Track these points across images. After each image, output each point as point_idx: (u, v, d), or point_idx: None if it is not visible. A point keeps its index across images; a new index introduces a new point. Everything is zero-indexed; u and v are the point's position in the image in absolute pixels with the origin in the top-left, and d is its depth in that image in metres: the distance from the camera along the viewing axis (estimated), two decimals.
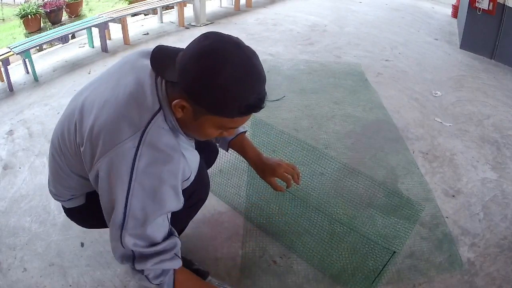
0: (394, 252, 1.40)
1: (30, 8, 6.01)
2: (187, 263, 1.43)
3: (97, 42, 3.80)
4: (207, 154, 1.45)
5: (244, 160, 1.45)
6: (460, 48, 3.81)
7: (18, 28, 6.31)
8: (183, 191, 1.03)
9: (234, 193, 1.81)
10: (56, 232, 1.66)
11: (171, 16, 4.75)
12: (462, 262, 1.53)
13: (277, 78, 3.01)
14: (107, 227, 0.98)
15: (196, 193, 1.19)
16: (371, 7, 5.24)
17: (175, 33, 4.21)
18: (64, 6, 6.59)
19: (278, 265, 1.50)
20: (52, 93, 2.93)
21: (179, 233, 1.41)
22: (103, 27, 3.70)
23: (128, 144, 0.89)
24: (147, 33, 4.22)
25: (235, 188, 1.84)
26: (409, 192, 1.88)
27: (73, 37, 4.35)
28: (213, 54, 0.83)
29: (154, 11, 4.90)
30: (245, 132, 1.44)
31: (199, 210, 1.38)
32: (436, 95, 2.86)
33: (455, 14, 4.78)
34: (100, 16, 3.92)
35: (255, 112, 0.90)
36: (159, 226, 0.97)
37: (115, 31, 4.08)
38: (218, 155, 1.64)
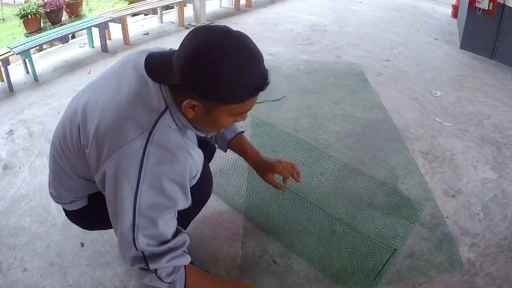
0: (395, 250, 1.40)
1: (30, 8, 6.02)
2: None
3: (97, 42, 3.80)
4: (206, 152, 1.45)
5: (244, 160, 1.45)
6: (460, 48, 3.81)
7: (18, 28, 6.31)
8: None
9: (234, 193, 1.81)
10: (56, 232, 1.66)
11: (171, 16, 4.75)
12: (462, 262, 1.53)
13: (277, 78, 3.01)
14: (110, 228, 0.98)
15: (199, 192, 1.19)
16: (371, 7, 5.24)
17: (175, 33, 4.21)
18: (64, 6, 6.59)
19: (278, 265, 1.50)
20: (52, 93, 2.93)
21: None
22: (103, 27, 3.70)
23: (135, 145, 0.89)
24: (147, 33, 4.22)
25: (235, 188, 1.84)
26: (409, 192, 1.88)
27: (73, 37, 4.35)
28: (208, 49, 0.84)
29: (154, 11, 4.90)
30: (243, 132, 1.45)
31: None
32: (436, 95, 2.86)
33: (455, 14, 4.78)
34: (100, 16, 3.92)
35: (262, 91, 0.93)
36: (169, 224, 0.97)
37: (115, 31, 4.08)
38: (219, 155, 1.65)
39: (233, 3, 5.04)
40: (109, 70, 1.07)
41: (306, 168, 1.99)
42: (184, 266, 1.03)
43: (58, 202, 1.23)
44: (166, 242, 0.96)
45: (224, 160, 1.92)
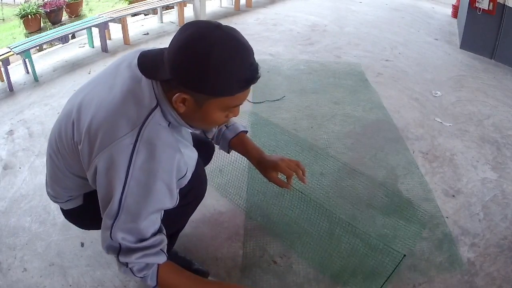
0: (404, 255, 1.40)
1: (30, 8, 6.02)
2: (187, 263, 1.43)
3: (97, 42, 3.80)
4: (204, 151, 1.45)
5: (245, 160, 1.45)
6: (460, 48, 3.81)
7: (18, 28, 6.31)
8: (180, 190, 1.04)
9: (234, 193, 1.81)
10: (56, 232, 1.66)
11: (171, 16, 4.75)
12: (462, 262, 1.53)
13: (277, 78, 3.01)
14: None
15: (193, 191, 1.19)
16: (371, 7, 5.24)
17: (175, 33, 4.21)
18: (64, 6, 6.59)
19: (278, 265, 1.50)
20: (52, 93, 2.93)
21: (178, 232, 1.42)
22: (103, 27, 3.70)
23: (126, 141, 0.90)
24: (147, 33, 4.22)
25: (235, 188, 1.85)
26: (409, 192, 1.88)
27: (73, 37, 4.35)
28: (198, 41, 0.85)
29: (154, 11, 4.90)
30: (246, 132, 1.44)
31: (199, 210, 1.38)
32: (436, 95, 2.86)
33: (455, 14, 4.78)
34: (100, 16, 3.92)
35: (253, 83, 0.92)
36: (152, 223, 0.98)
37: (115, 31, 4.08)
38: (219, 155, 1.64)
39: (233, 3, 5.04)
40: (105, 70, 1.08)
41: (306, 168, 1.98)
42: (158, 264, 1.02)
43: (55, 201, 1.24)
44: (143, 240, 0.97)
45: (224, 160, 1.92)
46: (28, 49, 3.15)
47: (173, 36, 0.91)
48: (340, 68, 3.24)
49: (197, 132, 1.14)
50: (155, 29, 4.37)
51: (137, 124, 0.91)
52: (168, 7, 4.81)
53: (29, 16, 5.97)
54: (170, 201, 0.99)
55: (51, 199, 1.24)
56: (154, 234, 1.00)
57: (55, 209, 1.76)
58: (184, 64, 0.86)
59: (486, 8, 3.44)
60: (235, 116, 1.03)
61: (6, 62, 3.05)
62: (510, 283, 1.46)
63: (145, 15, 5.06)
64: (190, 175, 1.06)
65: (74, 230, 1.62)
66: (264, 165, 1.36)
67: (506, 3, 3.29)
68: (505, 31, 3.37)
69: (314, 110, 2.59)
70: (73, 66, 3.42)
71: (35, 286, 1.43)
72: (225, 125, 1.39)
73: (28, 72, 3.31)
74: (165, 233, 1.04)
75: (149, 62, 0.93)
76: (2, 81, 3.12)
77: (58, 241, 1.61)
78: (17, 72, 3.34)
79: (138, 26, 4.52)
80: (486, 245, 1.62)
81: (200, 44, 0.85)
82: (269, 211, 1.72)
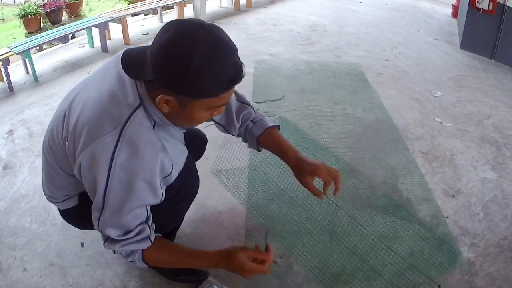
0: (439, 286, 1.39)
1: (30, 8, 6.01)
2: None
3: (97, 42, 3.80)
4: (196, 143, 1.44)
5: (245, 160, 1.43)
6: (460, 48, 3.81)
7: (18, 28, 6.31)
8: (169, 186, 1.05)
9: (234, 193, 1.81)
10: (56, 232, 1.66)
11: (171, 16, 4.75)
12: (462, 262, 1.53)
13: (277, 78, 3.01)
14: None
15: (184, 187, 1.19)
16: (371, 7, 5.24)
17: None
18: (64, 6, 6.59)
19: (278, 265, 1.49)
20: (52, 93, 2.93)
21: (176, 229, 1.42)
22: (103, 27, 3.70)
23: (108, 139, 0.91)
24: (147, 33, 4.22)
25: (235, 188, 1.84)
26: (409, 192, 1.88)
27: (73, 37, 4.35)
28: (179, 41, 0.83)
29: (154, 11, 4.90)
30: (278, 127, 1.31)
31: (199, 210, 1.38)
32: (436, 95, 2.86)
33: (455, 14, 4.78)
34: (100, 16, 3.92)
35: (237, 83, 0.90)
36: (136, 216, 1.00)
37: (115, 31, 4.08)
38: (219, 155, 1.64)
39: (233, 3, 5.04)
40: (98, 70, 1.09)
41: None
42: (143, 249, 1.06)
43: (51, 201, 1.25)
44: (128, 232, 1.01)
45: (224, 160, 1.92)
46: (28, 49, 3.15)
47: (157, 34, 0.89)
48: (340, 68, 3.24)
49: (183, 131, 1.13)
50: (155, 29, 4.36)
51: (120, 123, 0.92)
52: (168, 7, 4.81)
53: (29, 16, 5.97)
54: (154, 198, 1.00)
55: (48, 199, 1.25)
56: (139, 225, 1.03)
57: (55, 209, 1.75)
58: (165, 66, 0.84)
59: (486, 8, 3.44)
60: (219, 114, 1.02)
61: (6, 62, 3.05)
62: (510, 283, 1.46)
63: (145, 15, 5.06)
64: (177, 173, 1.07)
65: (74, 230, 1.62)
66: (301, 168, 1.19)
67: (506, 3, 3.29)
68: (505, 31, 3.37)
69: (314, 110, 2.59)
70: (73, 66, 3.42)
71: (35, 286, 1.43)
72: (251, 121, 1.29)
73: (28, 72, 3.31)
74: (150, 222, 1.06)
75: (132, 62, 0.93)
76: (2, 81, 3.12)
77: (58, 241, 1.61)
78: (17, 72, 3.33)
79: (138, 26, 4.52)
80: (486, 245, 1.62)
81: (181, 44, 0.83)
82: (269, 211, 1.72)
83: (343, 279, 1.44)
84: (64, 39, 3.59)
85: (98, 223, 1.00)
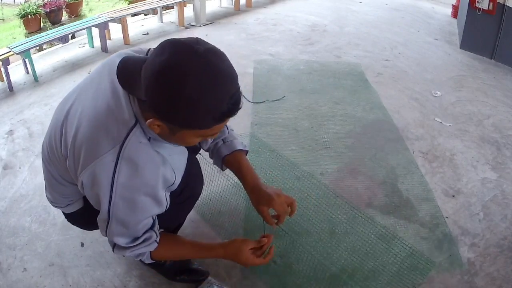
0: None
1: (30, 8, 6.01)
2: (187, 263, 1.43)
3: (97, 42, 3.80)
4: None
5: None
6: (460, 48, 3.81)
7: (18, 28, 6.30)
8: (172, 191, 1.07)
9: (234, 193, 1.81)
10: (56, 232, 1.66)
11: (171, 16, 4.75)
12: (462, 262, 1.53)
13: (277, 78, 3.01)
14: None
15: (187, 188, 1.19)
16: (371, 7, 5.24)
17: (175, 33, 4.21)
18: (64, 6, 6.59)
19: (278, 265, 1.49)
20: (52, 93, 2.93)
21: (177, 228, 1.42)
22: (103, 27, 3.70)
23: (107, 158, 0.91)
24: (147, 33, 4.22)
25: (235, 188, 1.84)
26: (409, 192, 1.88)
27: (73, 37, 4.35)
28: (171, 69, 0.78)
29: (154, 11, 4.90)
30: (245, 152, 1.34)
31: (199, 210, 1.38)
32: (436, 95, 2.86)
33: (455, 14, 4.78)
34: (100, 16, 3.92)
35: (233, 116, 0.86)
36: (143, 226, 1.03)
37: (115, 31, 4.09)
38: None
39: (233, 3, 5.04)
40: (91, 75, 1.06)
41: (306, 168, 1.99)
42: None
43: (55, 207, 1.26)
44: (135, 239, 1.03)
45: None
46: (28, 49, 3.15)
47: (152, 51, 0.86)
48: (340, 68, 3.24)
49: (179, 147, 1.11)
50: (155, 29, 4.37)
51: (118, 141, 0.91)
52: (168, 7, 4.80)
53: (29, 16, 5.97)
54: (158, 209, 1.02)
55: (52, 204, 1.25)
56: (146, 232, 1.05)
57: (55, 209, 1.75)
58: (156, 93, 0.80)
59: (486, 8, 3.44)
60: (213, 138, 1.03)
61: (6, 62, 3.05)
62: (510, 283, 1.46)
63: (145, 15, 5.06)
64: (180, 178, 1.07)
65: (74, 230, 1.62)
66: (257, 196, 1.25)
67: (506, 3, 3.29)
68: (505, 31, 3.37)
69: (314, 110, 2.59)
70: (73, 66, 3.42)
71: (35, 286, 1.43)
72: (222, 139, 1.31)
73: (28, 72, 3.31)
74: (157, 228, 1.09)
75: (127, 74, 0.88)
76: (2, 81, 3.12)
77: (58, 241, 1.61)
78: (17, 72, 3.34)
79: (138, 26, 4.52)
80: (486, 245, 1.62)
81: (173, 73, 0.78)
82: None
83: (343, 279, 1.44)
84: (64, 39, 3.60)
85: (105, 233, 1.02)
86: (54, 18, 6.43)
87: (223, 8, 5.11)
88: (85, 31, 3.77)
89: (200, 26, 4.39)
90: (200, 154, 1.48)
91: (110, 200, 0.93)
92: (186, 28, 4.37)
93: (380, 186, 1.90)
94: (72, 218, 1.29)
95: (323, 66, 3.28)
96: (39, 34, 3.59)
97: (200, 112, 0.81)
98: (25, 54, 3.14)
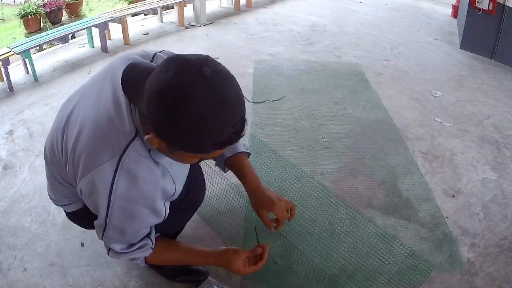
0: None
1: (30, 8, 6.01)
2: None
3: (97, 42, 3.80)
4: None
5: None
6: (460, 48, 3.81)
7: (18, 28, 6.31)
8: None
9: (234, 193, 1.81)
10: (56, 232, 1.66)
11: (171, 16, 4.75)
12: (462, 262, 1.53)
13: (277, 78, 3.01)
14: None
15: (189, 196, 1.19)
16: (371, 7, 5.24)
17: (175, 33, 4.21)
18: (64, 6, 6.59)
19: (278, 265, 1.49)
20: (52, 93, 2.93)
21: (177, 233, 1.42)
22: (103, 27, 3.70)
23: (106, 169, 0.90)
24: (147, 33, 4.22)
25: (235, 188, 1.84)
26: (409, 192, 1.88)
27: (73, 37, 4.35)
28: (174, 91, 0.75)
29: (154, 11, 4.90)
30: (247, 154, 1.34)
31: (199, 211, 1.38)
32: (436, 95, 2.86)
33: (455, 14, 4.78)
34: (100, 16, 3.92)
35: (234, 143, 0.83)
36: (139, 234, 1.04)
37: (115, 31, 4.08)
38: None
39: (233, 3, 5.04)
40: (94, 78, 1.05)
41: (306, 168, 1.99)
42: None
43: (57, 205, 1.26)
44: (131, 245, 1.04)
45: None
46: (28, 49, 3.15)
47: (158, 66, 0.83)
48: (340, 68, 3.24)
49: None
50: (155, 29, 4.37)
51: (117, 152, 0.90)
52: (168, 7, 4.81)
53: (29, 16, 5.97)
54: (156, 219, 1.02)
55: (53, 202, 1.26)
56: (142, 239, 1.06)
57: (55, 209, 1.76)
58: (157, 113, 0.78)
59: (486, 8, 3.44)
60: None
61: (6, 62, 3.05)
62: (510, 283, 1.46)
63: (145, 15, 5.06)
64: (181, 188, 1.07)
65: (74, 230, 1.62)
66: (258, 199, 1.26)
67: (506, 3, 3.29)
68: (505, 31, 3.37)
69: (314, 110, 2.59)
70: (73, 66, 3.42)
71: (35, 286, 1.43)
72: None
73: (28, 72, 3.31)
74: (153, 235, 1.09)
75: (132, 83, 0.86)
76: (2, 81, 3.12)
77: (58, 241, 1.61)
78: (17, 72, 3.34)
79: (138, 26, 4.52)
80: (486, 245, 1.62)
81: (176, 95, 0.74)
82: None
83: (343, 279, 1.44)
84: (64, 39, 3.60)
85: (102, 237, 1.03)
86: (54, 18, 6.43)
87: (223, 8, 5.11)
88: (85, 31, 3.77)
89: (200, 26, 4.39)
90: None
91: (107, 209, 0.93)
92: (186, 28, 4.37)
93: (380, 186, 1.90)
94: (73, 217, 1.29)
95: (323, 66, 3.28)
96: (39, 34, 3.59)
97: (200, 138, 0.78)
98: (25, 54, 3.14)
